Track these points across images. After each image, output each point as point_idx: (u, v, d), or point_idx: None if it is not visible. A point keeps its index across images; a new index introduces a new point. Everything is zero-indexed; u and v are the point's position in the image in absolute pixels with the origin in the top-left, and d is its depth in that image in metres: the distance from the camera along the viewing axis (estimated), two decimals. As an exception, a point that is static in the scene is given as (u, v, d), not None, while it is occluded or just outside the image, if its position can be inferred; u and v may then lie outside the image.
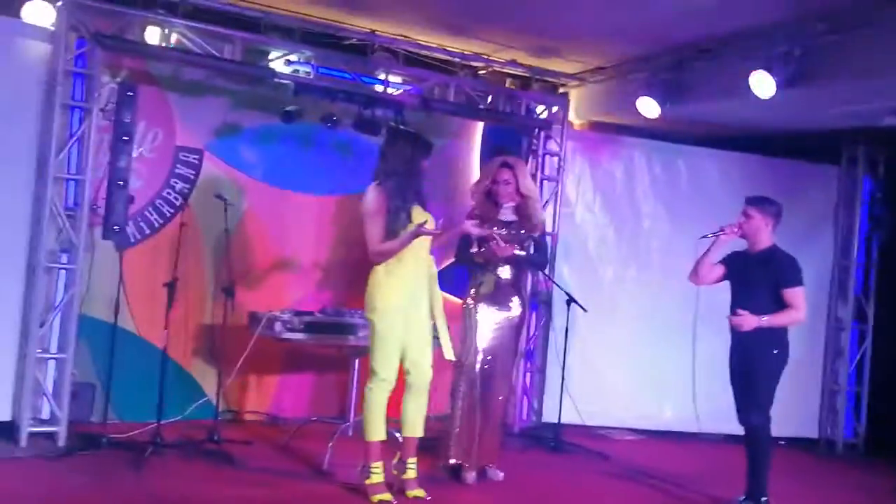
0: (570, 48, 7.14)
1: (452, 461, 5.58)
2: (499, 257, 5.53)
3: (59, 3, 5.63)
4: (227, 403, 6.73)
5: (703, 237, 5.46)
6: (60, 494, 4.78)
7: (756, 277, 5.33)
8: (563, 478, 6.07)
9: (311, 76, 6.33)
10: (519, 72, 7.53)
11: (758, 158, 7.88)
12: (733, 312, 5.42)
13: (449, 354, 5.25)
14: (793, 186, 7.45)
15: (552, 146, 7.43)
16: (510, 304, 5.71)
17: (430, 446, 5.39)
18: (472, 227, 5.24)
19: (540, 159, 7.40)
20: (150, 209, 6.49)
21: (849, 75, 5.96)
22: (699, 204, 7.66)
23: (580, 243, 7.64)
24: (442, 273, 5.49)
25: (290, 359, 6.94)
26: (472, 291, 5.68)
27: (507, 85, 7.65)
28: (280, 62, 6.30)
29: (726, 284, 5.51)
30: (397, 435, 5.21)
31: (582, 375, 7.12)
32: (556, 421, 6.93)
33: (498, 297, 5.66)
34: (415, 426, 5.15)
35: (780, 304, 5.25)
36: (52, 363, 5.73)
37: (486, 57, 7.25)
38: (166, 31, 5.96)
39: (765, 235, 5.41)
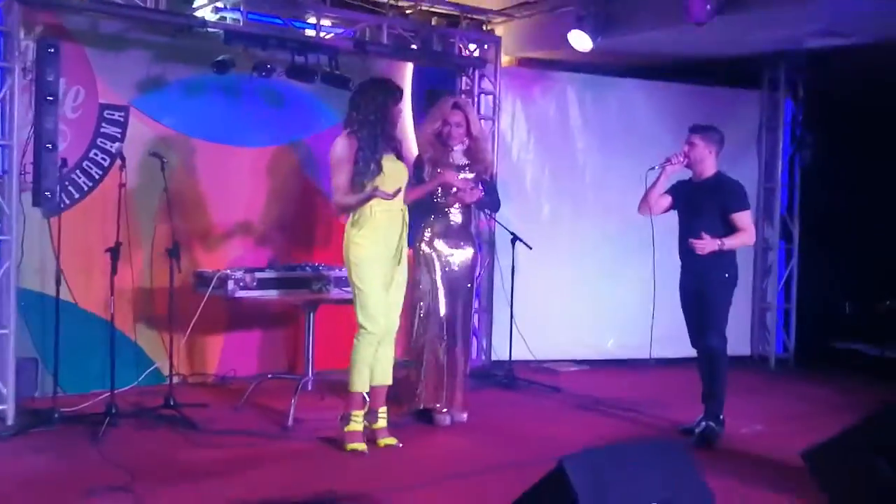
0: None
1: (423, 406, 5.57)
2: (466, 202, 5.49)
3: (-31, -44, 5.25)
4: (174, 367, 6.55)
5: (651, 169, 5.53)
6: (22, 475, 4.57)
7: (704, 204, 5.43)
8: (525, 413, 6.15)
9: (241, 23, 6.08)
10: (446, 10, 7.41)
11: (684, 87, 7.99)
12: (682, 240, 5.53)
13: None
14: (718, 112, 7.49)
15: (486, 85, 7.36)
16: (464, 246, 5.69)
17: (391, 394, 5.36)
18: (453, 178, 5.21)
19: (475, 99, 7.34)
20: (78, 172, 6.18)
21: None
22: (631, 135, 7.77)
23: (517, 181, 7.65)
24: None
25: (233, 317, 6.79)
26: (426, 235, 5.62)
27: (431, 24, 7.52)
28: (207, 10, 6.03)
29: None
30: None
31: (525, 312, 7.18)
32: (504, 359, 7.01)
33: (452, 239, 5.64)
34: (385, 374, 5.13)
35: (729, 229, 5.37)
36: (-7, 340, 5.46)
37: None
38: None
39: (709, 163, 5.50)
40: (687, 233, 5.48)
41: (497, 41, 7.41)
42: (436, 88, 7.24)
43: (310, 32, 6.53)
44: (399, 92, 5.09)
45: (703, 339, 5.44)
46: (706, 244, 5.23)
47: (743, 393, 6.84)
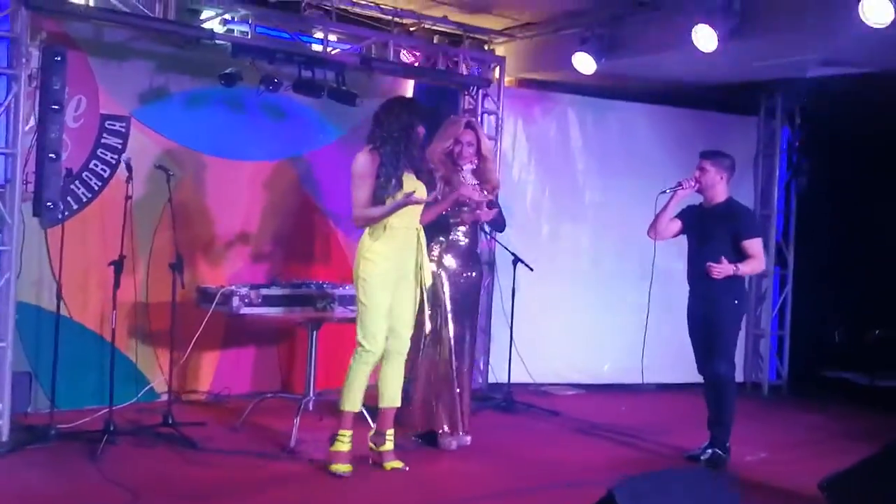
0: (501, 3, 7.02)
1: (431, 429, 5.49)
2: (483, 220, 5.46)
3: (-24, -40, 5.15)
4: (166, 384, 6.43)
5: (662, 192, 5.51)
6: (20, 493, 4.44)
7: (715, 230, 5.42)
8: (526, 437, 6.09)
9: (249, 36, 6.00)
10: (449, 29, 7.38)
11: (682, 111, 8.01)
12: (691, 265, 5.52)
13: (428, 327, 5.14)
14: (715, 137, 7.55)
15: (489, 105, 7.34)
16: (471, 266, 5.64)
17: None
18: (473, 193, 5.17)
19: (478, 118, 7.29)
20: (77, 183, 6.06)
21: (786, 28, 6.09)
22: (630, 158, 7.79)
23: (518, 201, 7.60)
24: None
25: (228, 334, 6.67)
26: (434, 255, 5.55)
27: (434, 42, 7.49)
28: (215, 22, 5.95)
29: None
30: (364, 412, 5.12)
31: (522, 333, 7.12)
32: (500, 381, 6.95)
33: (460, 259, 5.58)
34: (394, 396, 5.05)
35: (739, 255, 5.36)
36: (-11, 353, 5.32)
37: (417, 13, 7.07)
38: (91, -11, 5.54)
39: (720, 188, 5.50)
40: (696, 257, 5.47)
41: (501, 61, 7.39)
42: (438, 107, 7.21)
43: (316, 47, 6.47)
44: (424, 112, 5.06)
45: (710, 366, 5.42)
46: (724, 269, 5.20)
47: (740, 419, 6.79)
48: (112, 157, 6.19)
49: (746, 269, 5.32)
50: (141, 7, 5.62)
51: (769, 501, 4.83)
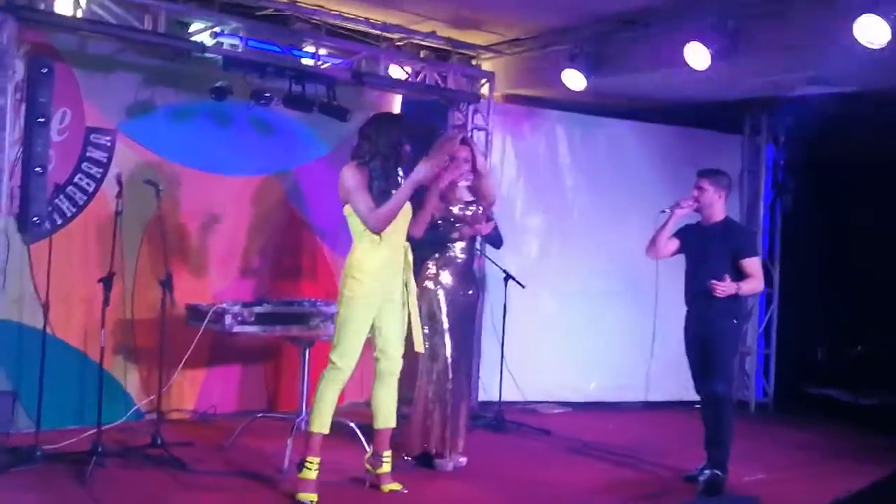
0: (489, 19, 6.99)
1: (430, 450, 5.40)
2: (482, 234, 5.41)
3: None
4: (151, 404, 6.27)
5: (662, 212, 5.48)
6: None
7: (713, 249, 5.39)
8: (520, 457, 6.00)
9: (240, 49, 5.90)
10: (437, 44, 7.32)
11: (668, 128, 8.02)
12: (689, 284, 5.49)
13: (420, 347, 5.03)
14: (701, 154, 7.55)
15: (478, 120, 7.29)
16: (469, 283, 5.57)
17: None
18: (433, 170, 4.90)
19: (468, 134, 7.22)
20: (62, 197, 5.91)
21: (778, 46, 6.10)
22: (618, 174, 7.79)
23: (507, 218, 7.52)
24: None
25: (214, 352, 6.53)
26: (431, 272, 5.47)
27: (421, 57, 7.43)
28: (205, 35, 5.84)
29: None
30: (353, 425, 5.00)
31: (513, 351, 7.05)
32: (490, 399, 6.87)
33: (457, 276, 5.50)
34: (388, 417, 4.94)
35: (738, 275, 5.33)
36: (-28, 372, 5.16)
37: (406, 28, 7.01)
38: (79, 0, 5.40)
39: (718, 207, 5.47)
40: (694, 276, 5.44)
41: (491, 77, 7.34)
42: (425, 122, 7.15)
43: (306, 62, 6.38)
44: (411, 129, 4.97)
45: (708, 385, 5.37)
46: (727, 287, 5.17)
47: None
48: (97, 172, 6.05)
49: (747, 287, 5.29)
50: (131, 19, 5.49)
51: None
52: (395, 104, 7.38)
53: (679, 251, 5.57)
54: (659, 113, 7.98)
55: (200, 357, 6.41)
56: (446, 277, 5.47)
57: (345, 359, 4.73)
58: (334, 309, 5.55)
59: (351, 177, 4.74)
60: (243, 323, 5.34)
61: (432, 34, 7.10)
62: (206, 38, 5.84)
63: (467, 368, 5.58)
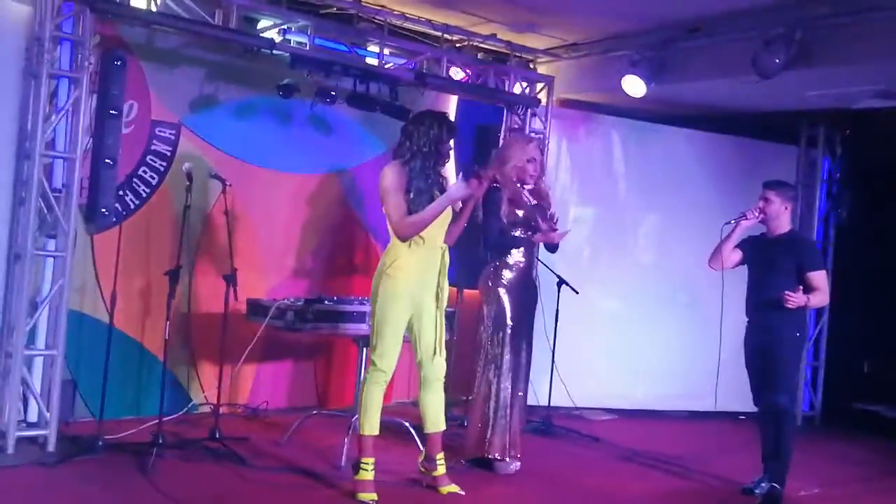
0: (549, 22, 6.98)
1: (492, 455, 5.38)
2: (556, 241, 5.40)
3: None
4: (205, 398, 6.33)
5: (727, 223, 5.43)
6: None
7: (778, 261, 5.34)
8: (573, 463, 5.99)
9: (307, 47, 5.92)
10: (496, 47, 7.32)
11: (724, 137, 7.96)
12: (751, 295, 5.45)
13: (441, 351, 4.91)
14: (756, 165, 7.55)
15: (536, 124, 7.27)
16: (529, 287, 5.57)
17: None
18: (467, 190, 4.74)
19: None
20: (126, 189, 5.96)
21: (846, 59, 6.04)
22: (672, 182, 7.73)
23: (560, 222, 7.49)
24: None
25: (267, 348, 6.54)
26: (495, 276, 5.46)
27: (479, 58, 7.43)
28: (272, 32, 5.86)
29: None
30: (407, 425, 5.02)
31: (563, 356, 7.03)
32: (539, 403, 6.85)
33: (522, 280, 5.50)
34: (437, 421, 4.93)
35: (802, 287, 5.27)
36: (38, 361, 5.20)
37: (466, 30, 7.01)
38: (153, -6, 5.45)
39: (784, 219, 5.42)
40: (757, 288, 5.40)
41: (550, 81, 7.32)
42: (485, 124, 7.15)
43: (371, 61, 6.40)
44: (455, 129, 4.92)
45: (770, 397, 5.31)
46: (798, 298, 5.11)
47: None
48: (161, 165, 6.10)
49: (816, 300, 5.25)
50: (203, 14, 5.53)
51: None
52: (451, 105, 7.38)
53: (741, 262, 5.52)
54: (711, 121, 7.93)
55: (253, 352, 6.44)
56: (511, 281, 5.46)
57: (385, 359, 4.72)
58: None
59: (390, 178, 4.72)
60: (304, 320, 5.35)
61: (492, 37, 7.10)
62: (273, 36, 5.85)
63: (525, 373, 5.56)
